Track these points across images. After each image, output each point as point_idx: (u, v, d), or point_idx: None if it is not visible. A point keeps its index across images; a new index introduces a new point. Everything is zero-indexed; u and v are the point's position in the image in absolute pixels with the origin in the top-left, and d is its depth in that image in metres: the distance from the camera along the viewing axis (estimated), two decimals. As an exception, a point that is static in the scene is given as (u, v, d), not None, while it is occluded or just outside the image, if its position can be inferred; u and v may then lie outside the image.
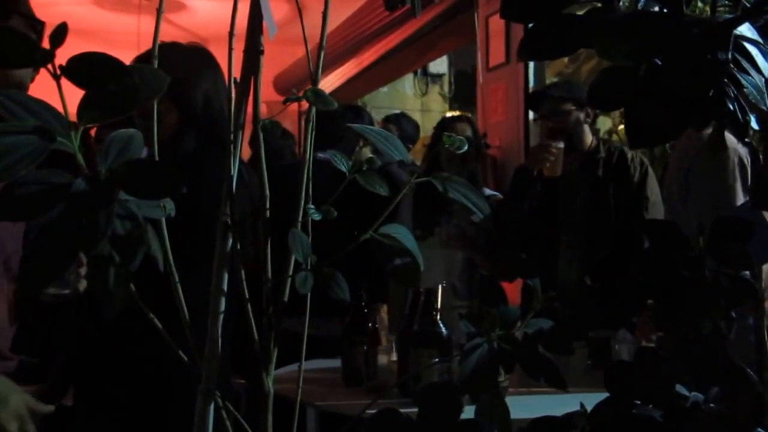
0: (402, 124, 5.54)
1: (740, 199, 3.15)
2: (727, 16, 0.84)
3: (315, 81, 1.22)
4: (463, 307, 3.91)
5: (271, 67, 9.09)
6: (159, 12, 1.19)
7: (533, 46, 0.87)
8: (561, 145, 3.81)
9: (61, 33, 0.74)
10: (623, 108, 0.83)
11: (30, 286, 0.84)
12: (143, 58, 2.24)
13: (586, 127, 3.96)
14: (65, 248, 0.83)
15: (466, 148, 1.20)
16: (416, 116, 11.25)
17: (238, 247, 1.16)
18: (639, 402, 1.12)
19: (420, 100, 11.63)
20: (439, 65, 11.33)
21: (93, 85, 0.77)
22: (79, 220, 0.81)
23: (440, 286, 2.79)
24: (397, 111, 7.66)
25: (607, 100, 0.87)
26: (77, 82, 0.77)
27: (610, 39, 0.78)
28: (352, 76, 8.53)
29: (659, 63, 0.82)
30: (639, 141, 0.87)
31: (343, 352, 3.13)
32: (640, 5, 0.88)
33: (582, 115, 3.91)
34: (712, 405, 1.08)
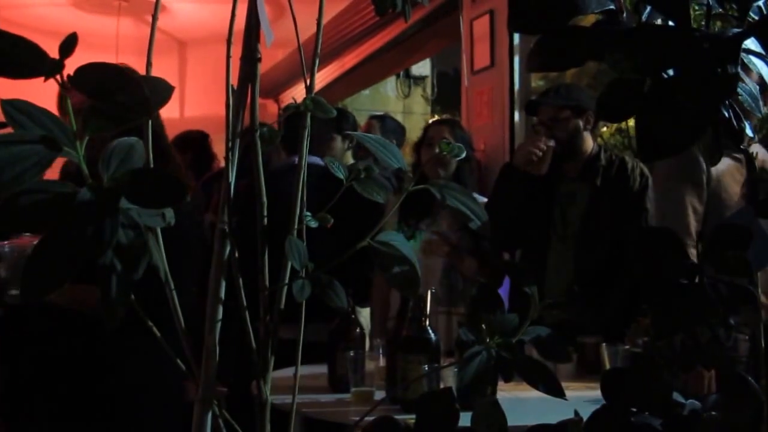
0: (386, 124, 5.51)
1: (689, 197, 3.19)
2: (735, 30, 0.84)
3: (310, 88, 1.22)
4: (443, 312, 3.90)
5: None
6: (154, 18, 1.18)
7: (541, 58, 0.87)
8: (551, 143, 3.74)
9: (70, 43, 0.74)
10: (629, 119, 0.83)
11: (32, 294, 0.84)
12: None
13: (586, 134, 3.85)
14: (69, 257, 0.82)
15: (464, 154, 1.20)
16: (398, 118, 11.25)
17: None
18: (636, 410, 1.12)
19: (402, 103, 11.63)
20: (422, 67, 11.33)
21: (102, 96, 0.76)
22: (84, 229, 0.80)
23: (429, 292, 2.78)
24: (380, 112, 7.61)
25: (616, 112, 0.87)
26: (86, 93, 0.76)
27: (622, 52, 0.78)
28: (335, 79, 8.51)
29: (666, 76, 0.82)
30: (649, 153, 0.87)
31: (330, 358, 3.12)
32: (643, 17, 0.88)
33: (581, 122, 3.82)
34: (713, 413, 1.09)
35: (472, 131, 5.29)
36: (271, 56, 8.49)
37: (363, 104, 10.75)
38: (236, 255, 1.15)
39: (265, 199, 1.18)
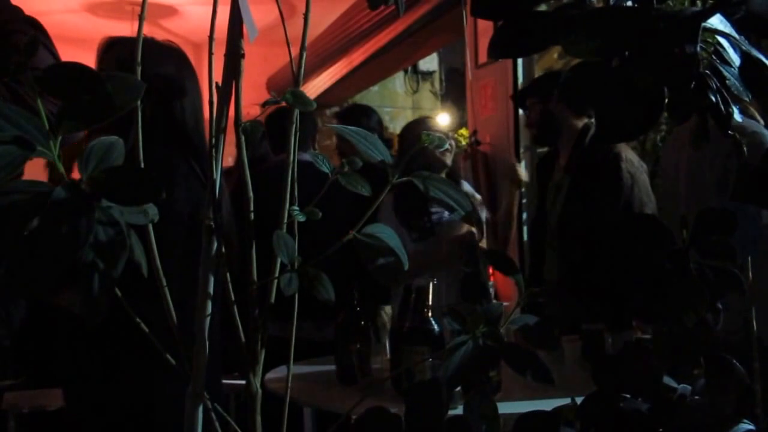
0: (363, 120, 5.20)
1: None
2: (695, 8, 0.84)
3: (297, 82, 1.23)
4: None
5: (263, 68, 9.05)
6: (141, 18, 1.19)
7: (503, 44, 0.87)
8: None
9: (33, 44, 0.75)
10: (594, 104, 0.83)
11: (12, 293, 0.85)
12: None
13: (565, 117, 3.81)
14: (47, 256, 0.83)
15: (446, 146, 1.21)
16: (407, 114, 11.21)
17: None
18: (627, 395, 1.12)
19: (411, 98, 11.61)
20: (430, 63, 11.31)
21: (67, 96, 0.77)
22: (59, 228, 0.81)
23: (431, 283, 2.79)
24: (389, 109, 7.51)
25: (578, 96, 0.87)
26: (52, 93, 0.77)
27: (575, 36, 0.78)
28: (343, 76, 8.51)
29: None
30: (609, 136, 0.87)
31: (337, 351, 3.14)
32: (611, 0, 0.88)
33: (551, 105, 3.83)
34: (697, 397, 1.09)
35: (478, 124, 5.30)
36: (285, 55, 8.48)
37: (372, 101, 10.73)
38: (222, 250, 1.16)
39: (251, 193, 1.19)
